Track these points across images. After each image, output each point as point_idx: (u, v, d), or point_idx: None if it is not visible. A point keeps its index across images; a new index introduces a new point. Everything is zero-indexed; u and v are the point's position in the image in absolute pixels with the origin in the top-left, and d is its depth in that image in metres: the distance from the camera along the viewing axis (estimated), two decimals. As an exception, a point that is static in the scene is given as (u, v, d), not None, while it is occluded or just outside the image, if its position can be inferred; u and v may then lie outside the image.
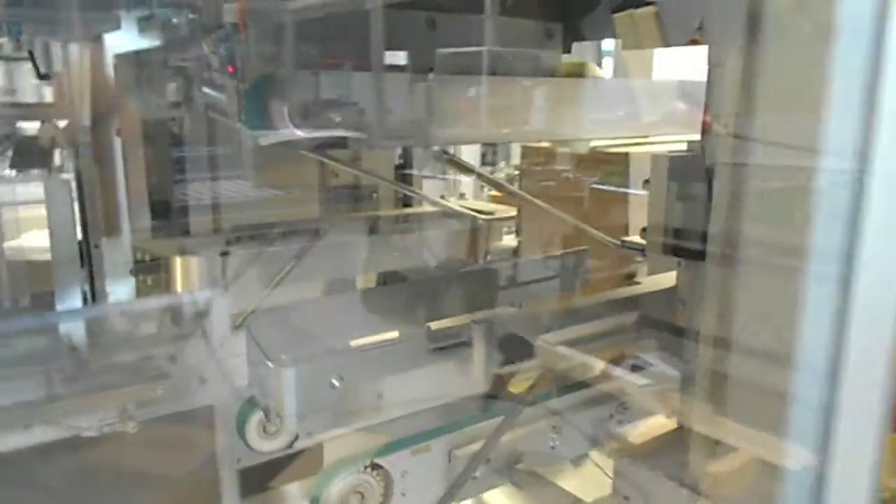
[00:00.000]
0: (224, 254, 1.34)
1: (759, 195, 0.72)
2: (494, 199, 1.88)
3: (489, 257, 1.53)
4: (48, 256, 1.42)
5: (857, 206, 0.50)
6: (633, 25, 1.25)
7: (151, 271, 1.49)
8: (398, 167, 1.63)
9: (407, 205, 1.62)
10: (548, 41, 1.40)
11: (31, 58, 1.51)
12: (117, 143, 1.43)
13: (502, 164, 3.35)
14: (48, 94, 1.54)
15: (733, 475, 0.97)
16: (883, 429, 0.54)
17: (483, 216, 1.52)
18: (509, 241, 1.63)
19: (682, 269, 1.05)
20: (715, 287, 0.79)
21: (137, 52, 1.42)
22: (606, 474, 1.28)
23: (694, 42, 1.06)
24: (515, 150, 2.49)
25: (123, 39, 1.42)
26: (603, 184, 1.77)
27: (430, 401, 1.15)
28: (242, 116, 1.21)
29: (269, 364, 1.00)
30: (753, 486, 0.90)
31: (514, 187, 1.79)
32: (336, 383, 0.97)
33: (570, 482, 1.43)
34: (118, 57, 1.45)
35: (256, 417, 1.17)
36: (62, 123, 1.46)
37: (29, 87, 1.59)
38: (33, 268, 1.58)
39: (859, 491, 0.55)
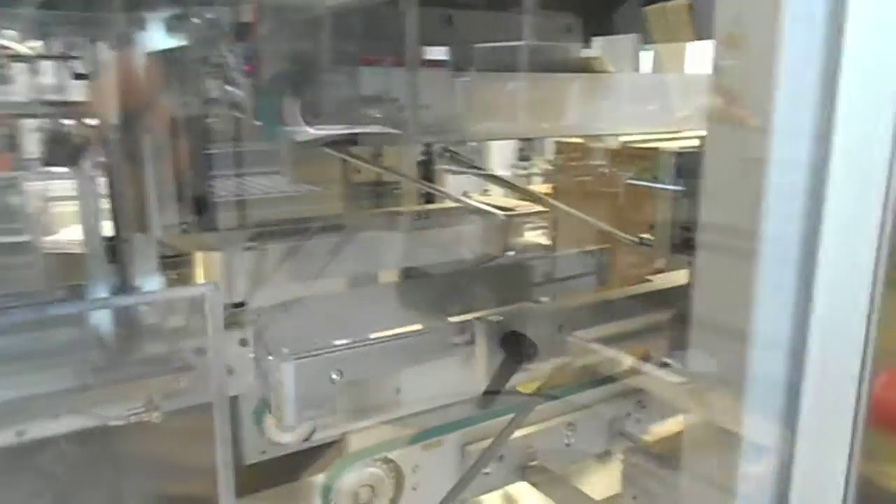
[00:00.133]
0: (248, 249, 1.37)
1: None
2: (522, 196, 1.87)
3: (511, 254, 1.53)
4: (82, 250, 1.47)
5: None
6: (664, 18, 1.24)
7: (180, 266, 1.53)
8: (420, 163, 1.64)
9: (429, 201, 1.62)
10: (567, 36, 1.39)
11: (66, 58, 1.56)
12: (147, 140, 1.47)
13: (537, 159, 3.33)
14: (76, 93, 1.58)
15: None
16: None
17: (504, 212, 1.52)
18: (532, 237, 1.63)
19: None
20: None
21: (170, 51, 1.45)
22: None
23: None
24: (550, 145, 2.48)
25: (156, 39, 1.45)
26: (639, 179, 1.75)
27: (439, 398, 1.16)
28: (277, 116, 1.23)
29: (269, 358, 1.02)
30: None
31: (545, 183, 1.78)
32: (336, 378, 0.99)
33: (588, 480, 1.43)
34: (151, 55, 1.48)
35: (272, 410, 1.19)
36: (94, 121, 1.51)
37: (63, 87, 1.64)
38: (70, 261, 1.64)
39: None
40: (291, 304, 1.28)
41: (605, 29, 1.46)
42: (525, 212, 1.55)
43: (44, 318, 0.92)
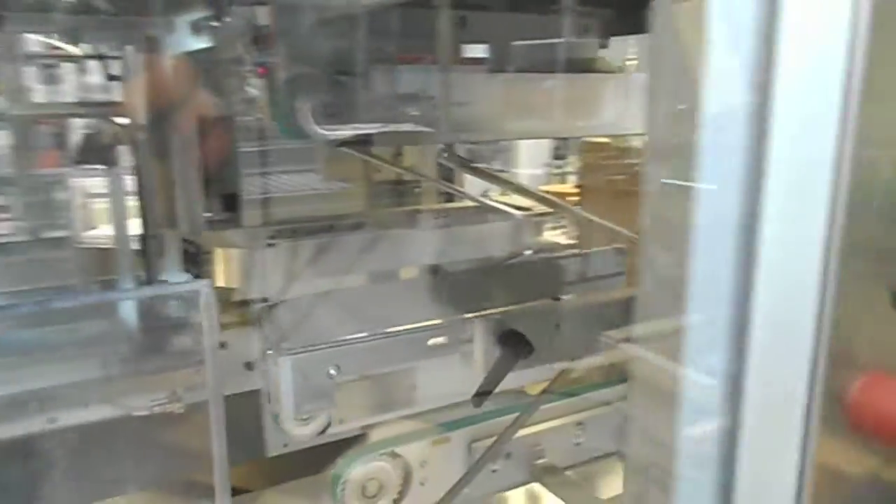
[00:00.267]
0: (270, 245, 1.40)
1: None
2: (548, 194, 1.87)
3: (528, 253, 1.53)
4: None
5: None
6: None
7: (207, 263, 1.57)
8: (440, 164, 1.65)
9: (450, 200, 1.63)
10: (584, 35, 1.38)
11: (101, 58, 1.62)
12: (175, 139, 1.51)
13: (572, 157, 3.31)
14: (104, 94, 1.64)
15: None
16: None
17: (522, 212, 1.52)
18: (551, 236, 1.63)
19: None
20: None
21: (200, 52, 1.49)
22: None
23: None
24: (583, 144, 2.47)
25: (188, 41, 1.49)
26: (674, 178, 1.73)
27: (442, 397, 1.17)
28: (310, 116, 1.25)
29: (269, 352, 1.04)
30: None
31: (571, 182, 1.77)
32: (333, 373, 1.01)
33: (598, 480, 1.42)
34: (179, 57, 1.52)
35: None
36: (125, 120, 1.56)
37: (95, 88, 1.70)
38: (102, 256, 1.70)
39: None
40: (309, 299, 1.30)
41: (613, 29, 1.45)
42: (543, 211, 1.55)
43: (46, 312, 0.96)
